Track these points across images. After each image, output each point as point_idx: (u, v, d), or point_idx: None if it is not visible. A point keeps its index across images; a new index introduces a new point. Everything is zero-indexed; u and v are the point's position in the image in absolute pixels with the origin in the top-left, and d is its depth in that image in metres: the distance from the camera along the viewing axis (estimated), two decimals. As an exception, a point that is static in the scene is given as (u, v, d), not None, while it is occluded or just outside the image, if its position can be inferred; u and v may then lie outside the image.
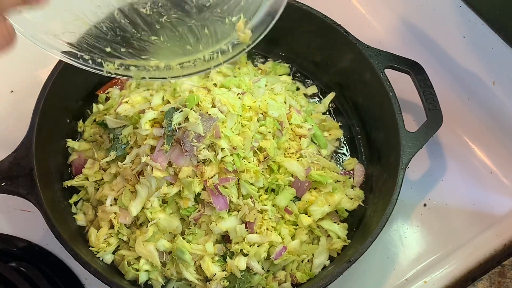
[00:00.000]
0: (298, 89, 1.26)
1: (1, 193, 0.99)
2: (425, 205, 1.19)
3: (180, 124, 0.97)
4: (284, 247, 1.01)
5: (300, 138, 1.12)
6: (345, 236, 1.06)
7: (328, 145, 1.18)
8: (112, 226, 1.04)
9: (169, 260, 1.02)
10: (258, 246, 1.00)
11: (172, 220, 1.01)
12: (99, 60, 0.82)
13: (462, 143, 1.26)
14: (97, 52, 0.83)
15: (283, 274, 1.04)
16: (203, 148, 0.97)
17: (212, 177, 0.98)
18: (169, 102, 1.06)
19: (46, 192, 1.00)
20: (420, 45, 1.36)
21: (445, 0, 1.30)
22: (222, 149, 0.98)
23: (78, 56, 0.81)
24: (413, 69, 1.12)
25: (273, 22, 0.83)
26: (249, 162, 1.01)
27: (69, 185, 1.10)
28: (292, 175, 1.06)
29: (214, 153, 0.98)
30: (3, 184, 0.99)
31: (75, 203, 1.10)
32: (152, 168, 0.98)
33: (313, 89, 1.27)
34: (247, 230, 1.01)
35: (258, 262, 1.01)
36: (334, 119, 1.24)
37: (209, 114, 0.97)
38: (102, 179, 1.09)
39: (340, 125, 1.22)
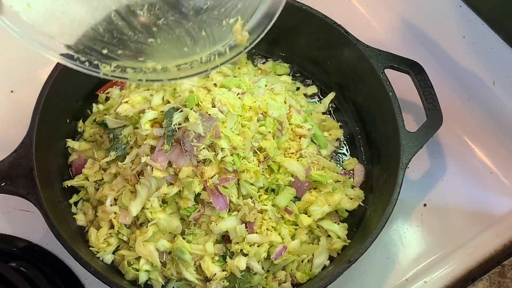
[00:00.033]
0: (298, 89, 1.26)
1: (1, 193, 0.99)
2: (425, 205, 1.19)
3: (180, 124, 0.97)
4: (284, 247, 1.01)
5: (300, 138, 1.12)
6: (345, 236, 1.06)
7: (328, 145, 1.18)
8: (112, 226, 1.04)
9: (169, 260, 1.02)
10: (258, 246, 1.00)
11: (172, 220, 1.01)
12: (96, 62, 0.81)
13: (462, 143, 1.27)
14: (94, 54, 0.82)
15: (283, 274, 1.04)
16: (203, 148, 0.97)
17: (212, 177, 0.98)
18: (169, 102, 1.06)
19: (46, 192, 1.00)
20: (420, 45, 1.36)
21: (445, 0, 1.30)
22: (222, 149, 0.98)
23: (75, 58, 0.81)
24: (413, 69, 1.12)
25: (271, 25, 0.83)
26: (249, 162, 1.01)
27: (69, 185, 1.10)
28: (292, 175, 1.06)
29: (214, 153, 0.98)
30: (3, 184, 0.99)
31: (75, 203, 1.10)
32: (152, 168, 0.98)
33: (313, 89, 1.27)
34: (247, 230, 1.01)
35: (258, 262, 1.01)
36: (334, 119, 1.24)
37: (209, 114, 0.97)
38: (102, 179, 1.09)
39: (340, 125, 1.22)
